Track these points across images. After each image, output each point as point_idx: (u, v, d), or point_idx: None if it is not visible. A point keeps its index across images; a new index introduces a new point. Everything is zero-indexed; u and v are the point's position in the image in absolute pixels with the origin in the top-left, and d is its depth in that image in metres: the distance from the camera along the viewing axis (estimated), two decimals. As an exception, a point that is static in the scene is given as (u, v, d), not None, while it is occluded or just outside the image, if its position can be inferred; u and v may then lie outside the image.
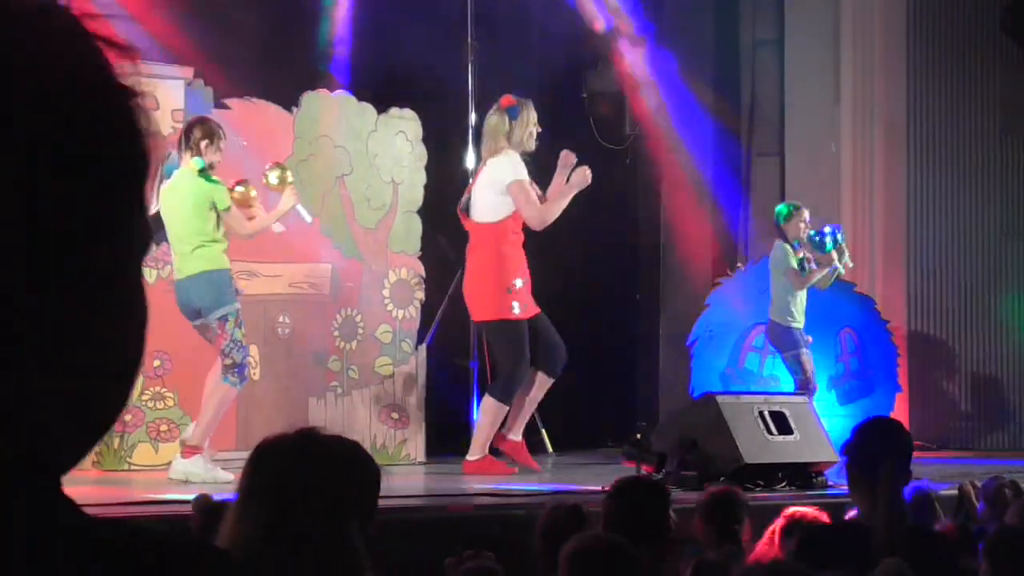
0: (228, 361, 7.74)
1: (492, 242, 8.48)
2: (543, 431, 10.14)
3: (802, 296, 9.77)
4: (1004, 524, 5.23)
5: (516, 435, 8.70)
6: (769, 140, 12.22)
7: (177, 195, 7.70)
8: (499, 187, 8.44)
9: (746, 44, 12.32)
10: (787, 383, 10.06)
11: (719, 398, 7.52)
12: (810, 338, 9.79)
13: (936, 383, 11.83)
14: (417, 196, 9.50)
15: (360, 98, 9.37)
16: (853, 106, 11.80)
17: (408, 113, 9.50)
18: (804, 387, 9.52)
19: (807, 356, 9.68)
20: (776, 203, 11.61)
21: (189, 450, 7.71)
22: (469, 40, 10.53)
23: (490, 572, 4.18)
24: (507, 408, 8.48)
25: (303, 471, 2.70)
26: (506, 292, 8.42)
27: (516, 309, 8.44)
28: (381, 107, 9.41)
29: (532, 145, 8.57)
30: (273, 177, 8.00)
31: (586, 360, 11.21)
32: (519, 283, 8.50)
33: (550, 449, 10.09)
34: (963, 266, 12.02)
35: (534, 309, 8.58)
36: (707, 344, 10.91)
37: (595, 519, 4.55)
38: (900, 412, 10.70)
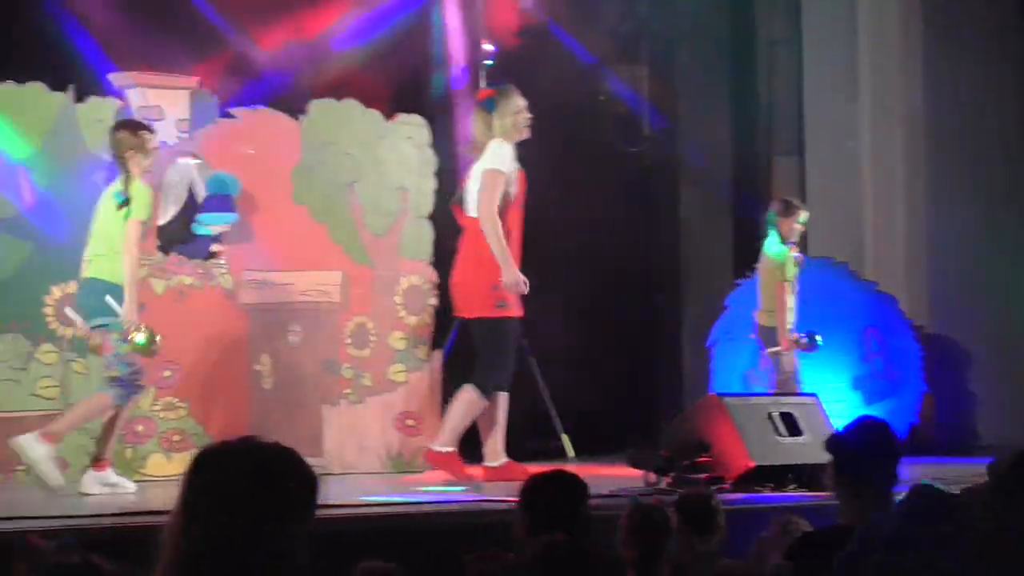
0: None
1: (478, 236, 8.33)
2: (563, 436, 10.06)
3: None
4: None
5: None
6: (788, 139, 12.08)
7: None
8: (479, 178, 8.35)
9: (762, 42, 12.21)
10: (807, 384, 9.91)
11: (727, 400, 7.43)
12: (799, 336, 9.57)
13: (961, 383, 11.67)
14: (427, 202, 9.44)
15: (367, 105, 9.32)
16: (872, 102, 11.67)
17: (415, 119, 9.46)
18: (781, 387, 9.31)
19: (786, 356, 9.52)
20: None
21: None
22: (483, 44, 10.50)
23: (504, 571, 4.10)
24: (485, 403, 8.29)
25: (241, 478, 2.69)
26: (491, 288, 8.26)
27: (504, 306, 8.28)
28: (388, 113, 9.37)
29: (521, 132, 8.39)
30: (140, 338, 7.50)
31: (610, 363, 11.14)
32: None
33: (571, 454, 10.02)
34: (987, 263, 11.84)
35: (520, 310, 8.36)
36: (727, 346, 10.80)
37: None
38: (926, 412, 10.59)
